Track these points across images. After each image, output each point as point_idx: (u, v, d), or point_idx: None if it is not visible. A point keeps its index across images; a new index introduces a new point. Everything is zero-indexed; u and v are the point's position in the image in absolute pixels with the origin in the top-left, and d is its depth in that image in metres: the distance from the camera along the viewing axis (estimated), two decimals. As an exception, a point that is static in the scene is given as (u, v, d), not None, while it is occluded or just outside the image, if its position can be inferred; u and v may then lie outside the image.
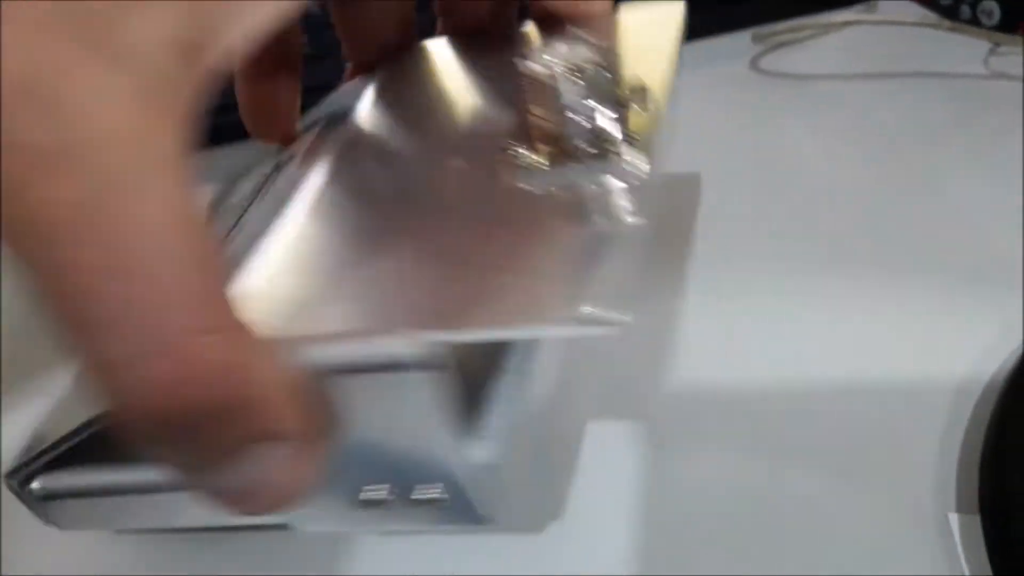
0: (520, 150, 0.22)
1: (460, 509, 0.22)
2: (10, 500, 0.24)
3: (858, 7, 0.53)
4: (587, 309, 0.17)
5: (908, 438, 0.29)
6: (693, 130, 0.45)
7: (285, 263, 0.21)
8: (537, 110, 0.21)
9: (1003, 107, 0.44)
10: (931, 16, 0.51)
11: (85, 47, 0.15)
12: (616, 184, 0.21)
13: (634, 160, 0.21)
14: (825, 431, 0.30)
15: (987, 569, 0.25)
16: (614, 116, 0.21)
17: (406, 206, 0.23)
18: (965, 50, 0.48)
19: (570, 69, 0.21)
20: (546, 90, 0.21)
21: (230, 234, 0.25)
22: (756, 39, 0.51)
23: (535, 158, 0.22)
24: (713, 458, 0.29)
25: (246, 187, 0.30)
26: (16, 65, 0.14)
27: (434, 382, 0.19)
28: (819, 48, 0.51)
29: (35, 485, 0.24)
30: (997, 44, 0.47)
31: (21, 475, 0.24)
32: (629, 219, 0.20)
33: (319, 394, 0.19)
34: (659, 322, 0.34)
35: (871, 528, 0.27)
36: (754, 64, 0.50)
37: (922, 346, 0.32)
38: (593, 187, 0.21)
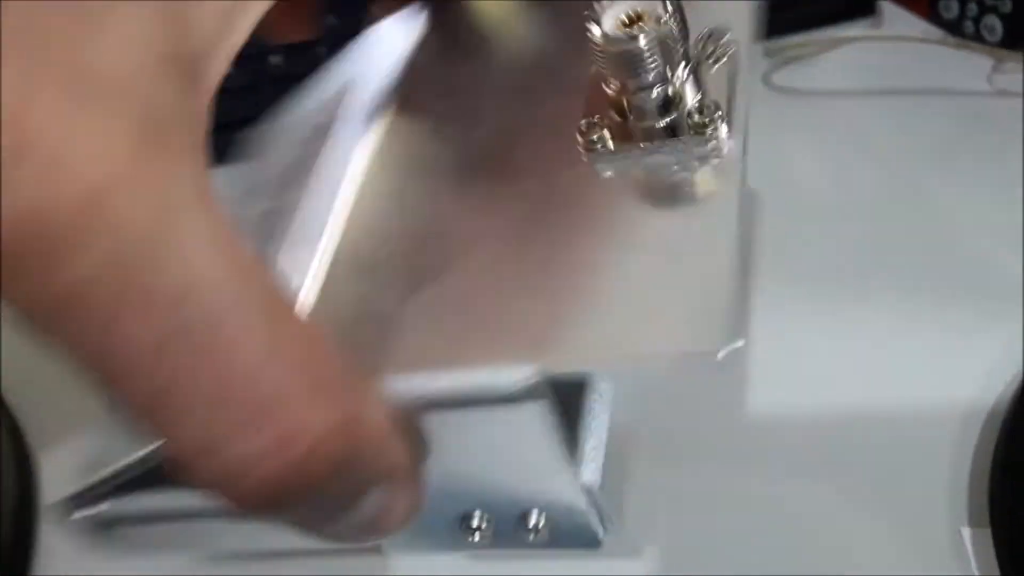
0: (594, 134, 0.20)
1: (569, 534, 0.23)
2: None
3: (864, 22, 0.54)
4: (689, 343, 0.17)
5: (920, 456, 0.31)
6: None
7: (345, 267, 0.21)
8: (611, 82, 0.20)
9: (1005, 125, 0.46)
10: (935, 32, 0.53)
11: (55, 90, 0.12)
12: (699, 165, 0.20)
13: (713, 131, 0.20)
14: (837, 450, 0.32)
15: (999, 582, 0.27)
16: (686, 79, 0.20)
17: (474, 199, 0.22)
18: (969, 66, 0.50)
19: (639, 32, 0.19)
20: (618, 59, 0.19)
21: (274, 216, 0.24)
22: (768, 53, 0.52)
23: (608, 140, 0.20)
24: (727, 474, 0.31)
25: (280, 153, 0.28)
26: None
27: (540, 412, 0.19)
28: (827, 64, 0.52)
29: (100, 508, 0.23)
30: (1000, 60, 0.49)
31: (81, 501, 0.23)
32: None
33: (414, 425, 0.19)
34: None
35: (886, 543, 0.29)
36: (766, 79, 0.52)
37: (930, 367, 0.34)
38: (675, 170, 0.20)
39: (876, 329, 0.36)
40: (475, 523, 0.22)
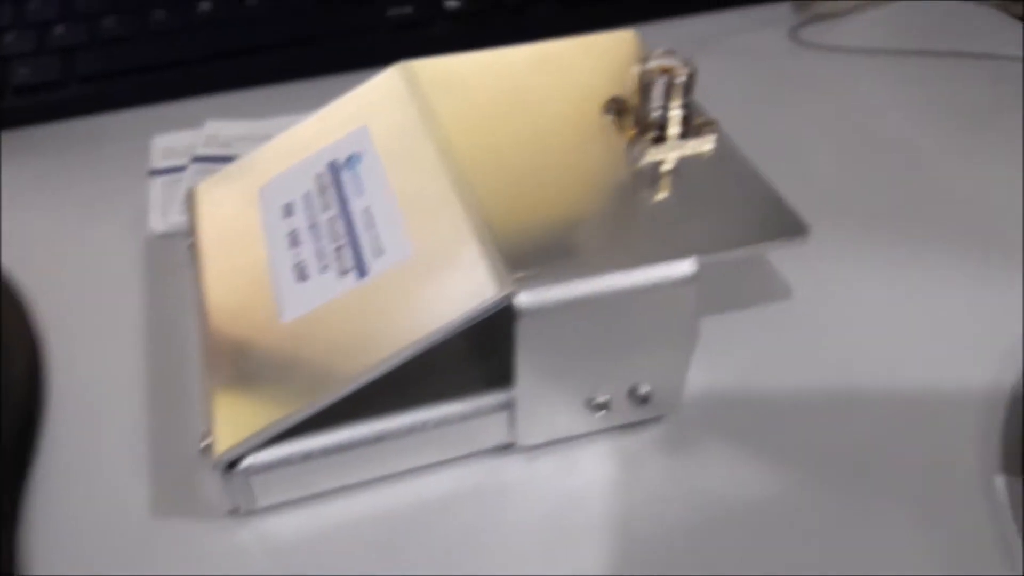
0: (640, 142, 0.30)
1: (663, 402, 0.28)
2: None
3: (899, -18, 0.52)
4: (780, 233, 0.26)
5: (952, 403, 0.30)
6: (728, 97, 0.45)
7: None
8: (644, 102, 0.29)
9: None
10: (973, -7, 0.51)
11: None
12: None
13: (695, 144, 0.30)
14: (871, 396, 0.30)
15: (1035, 529, 0.26)
16: (681, 114, 0.29)
17: (545, 172, 0.28)
18: (1007, 31, 0.48)
19: (666, 74, 0.29)
20: (651, 88, 0.29)
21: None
22: (797, 8, 0.51)
23: (630, 134, 0.30)
24: (767, 424, 0.30)
25: (292, 190, 0.32)
26: None
27: (694, 292, 0.25)
28: (860, 21, 0.51)
29: (248, 462, 0.26)
30: (1038, 23, 0.47)
31: (230, 458, 0.26)
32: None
33: None
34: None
35: (919, 490, 0.27)
36: (793, 34, 0.50)
37: (963, 317, 0.33)
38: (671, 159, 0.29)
39: (908, 277, 0.34)
40: (599, 400, 0.27)
